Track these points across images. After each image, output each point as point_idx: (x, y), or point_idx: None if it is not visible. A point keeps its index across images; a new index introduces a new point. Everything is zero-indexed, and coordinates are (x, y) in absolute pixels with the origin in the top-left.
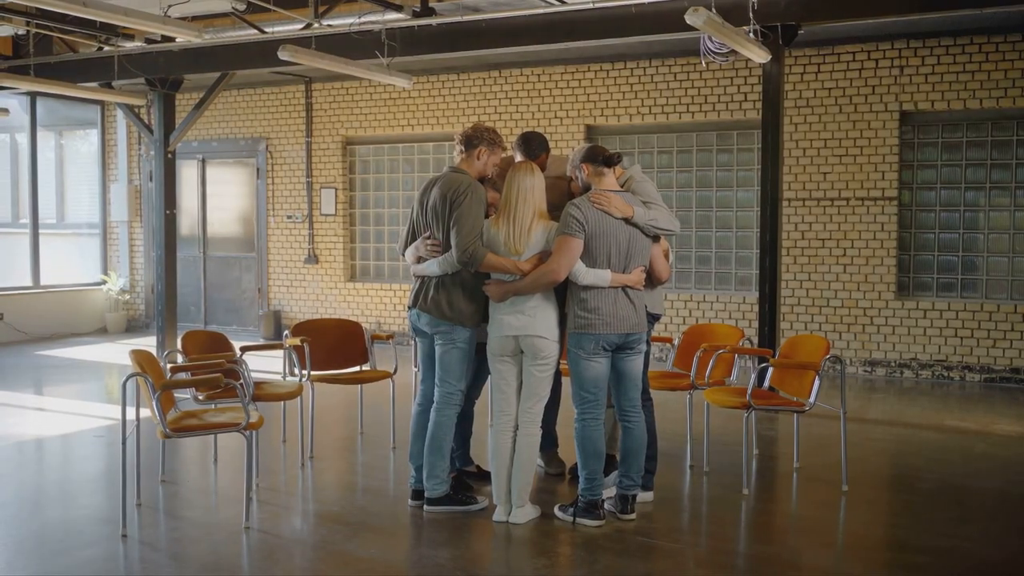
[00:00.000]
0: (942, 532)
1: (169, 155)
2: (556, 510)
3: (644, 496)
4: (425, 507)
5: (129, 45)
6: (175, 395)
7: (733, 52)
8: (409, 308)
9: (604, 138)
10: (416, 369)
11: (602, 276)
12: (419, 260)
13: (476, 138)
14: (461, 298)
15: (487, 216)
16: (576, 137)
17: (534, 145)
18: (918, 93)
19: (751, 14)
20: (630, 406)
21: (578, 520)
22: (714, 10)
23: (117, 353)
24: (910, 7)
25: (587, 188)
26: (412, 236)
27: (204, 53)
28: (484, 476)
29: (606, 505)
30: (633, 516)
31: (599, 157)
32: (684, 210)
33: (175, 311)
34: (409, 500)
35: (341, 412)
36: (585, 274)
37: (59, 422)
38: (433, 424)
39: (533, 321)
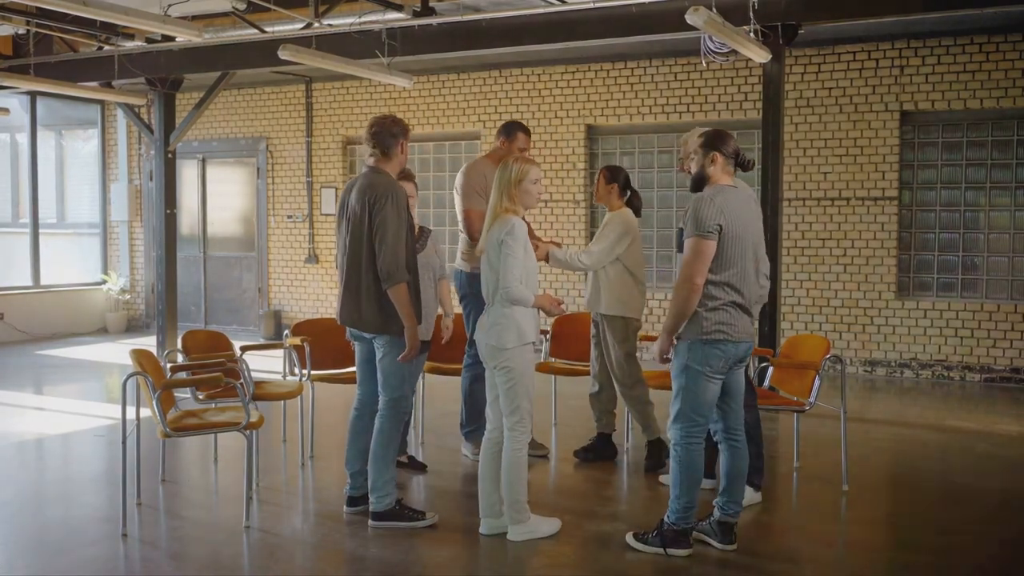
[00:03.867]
0: (943, 532)
1: (169, 155)
2: (631, 539)
3: (755, 497)
4: (370, 522)
5: (129, 44)
6: (175, 394)
7: (733, 52)
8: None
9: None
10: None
11: (528, 297)
12: None
13: (390, 135)
14: (384, 307)
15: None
16: (576, 137)
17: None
18: (918, 93)
19: (751, 14)
20: (739, 424)
21: (670, 551)
22: (714, 10)
23: (117, 353)
24: (910, 7)
25: (700, 178)
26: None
27: (204, 53)
28: (415, 466)
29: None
30: (735, 546)
31: (735, 153)
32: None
33: (175, 311)
34: (344, 508)
35: (341, 412)
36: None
37: (59, 422)
38: (376, 432)
39: (492, 327)
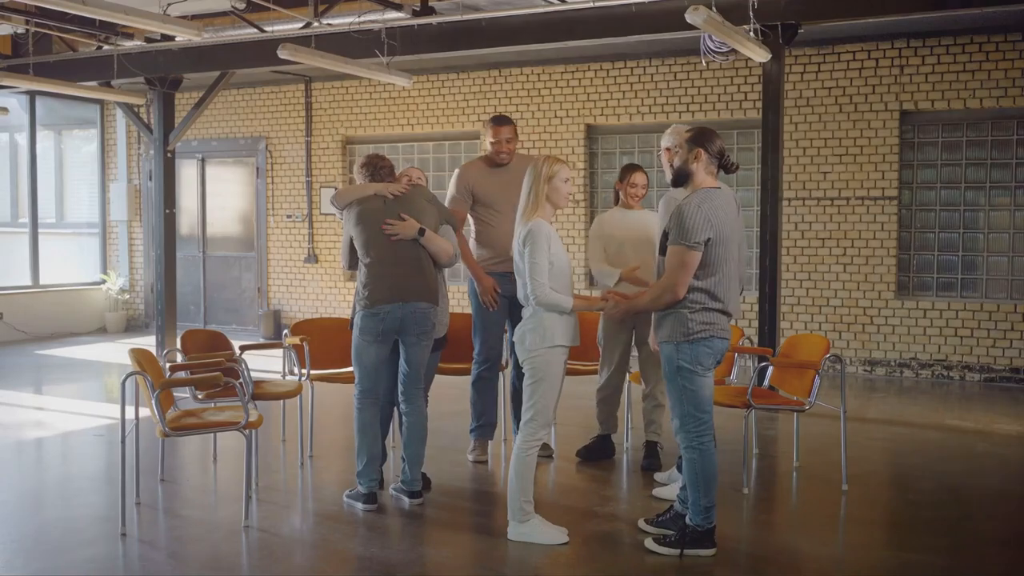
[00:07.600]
0: (942, 532)
1: (169, 154)
2: (652, 544)
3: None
4: (414, 501)
5: (128, 44)
6: (174, 394)
7: (733, 51)
8: (390, 303)
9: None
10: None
11: (563, 302)
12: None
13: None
14: (437, 281)
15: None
16: (576, 137)
17: None
18: (918, 92)
19: (751, 13)
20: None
21: (687, 552)
22: (714, 9)
23: (117, 352)
24: (910, 7)
25: (682, 173)
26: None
27: (204, 52)
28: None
29: (643, 524)
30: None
31: (720, 153)
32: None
33: (175, 310)
34: (365, 504)
35: (340, 411)
36: (548, 294)
37: (59, 421)
38: (425, 418)
39: (520, 328)
